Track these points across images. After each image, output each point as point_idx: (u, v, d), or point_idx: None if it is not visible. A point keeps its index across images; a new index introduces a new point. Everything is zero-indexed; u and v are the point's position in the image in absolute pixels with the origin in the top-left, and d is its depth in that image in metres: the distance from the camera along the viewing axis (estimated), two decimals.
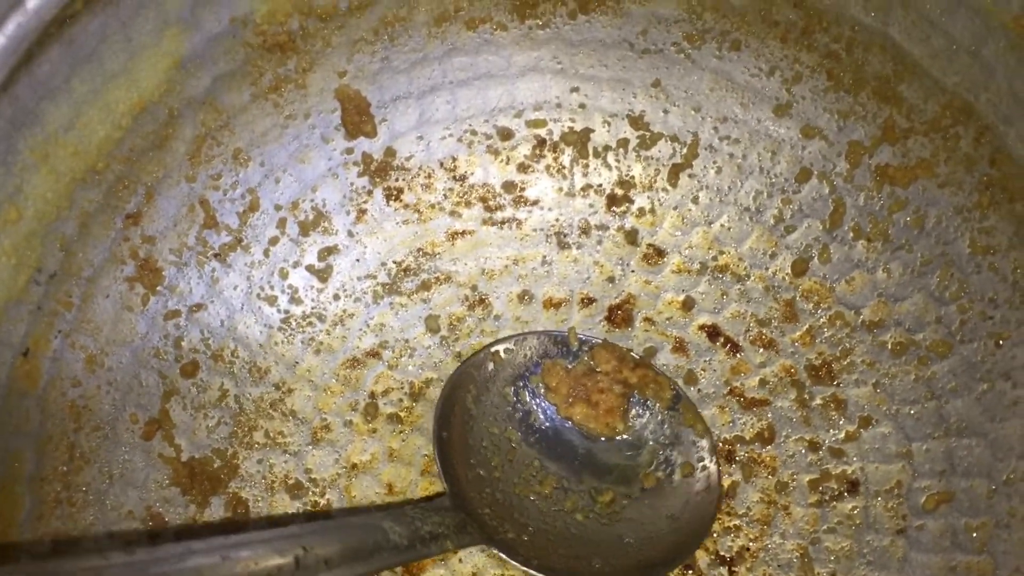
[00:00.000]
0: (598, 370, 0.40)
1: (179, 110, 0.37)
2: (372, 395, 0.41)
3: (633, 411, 0.39)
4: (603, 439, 0.39)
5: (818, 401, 0.40)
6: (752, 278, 0.41)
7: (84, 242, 0.36)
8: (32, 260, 0.34)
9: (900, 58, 0.37)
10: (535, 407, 0.40)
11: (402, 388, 0.41)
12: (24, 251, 0.33)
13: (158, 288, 0.38)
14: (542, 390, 0.40)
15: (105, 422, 0.37)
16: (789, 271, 0.41)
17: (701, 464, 0.38)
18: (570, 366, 0.40)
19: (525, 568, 0.36)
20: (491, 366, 0.40)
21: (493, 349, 0.40)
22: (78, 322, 0.36)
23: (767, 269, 0.41)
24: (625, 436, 0.39)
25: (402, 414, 0.40)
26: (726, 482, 0.39)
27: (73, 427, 0.36)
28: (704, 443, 0.38)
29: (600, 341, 0.40)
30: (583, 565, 0.36)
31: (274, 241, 0.41)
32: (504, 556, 0.36)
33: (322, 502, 0.39)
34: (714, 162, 0.42)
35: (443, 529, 0.35)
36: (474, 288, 0.42)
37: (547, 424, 0.39)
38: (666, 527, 0.37)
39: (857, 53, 0.38)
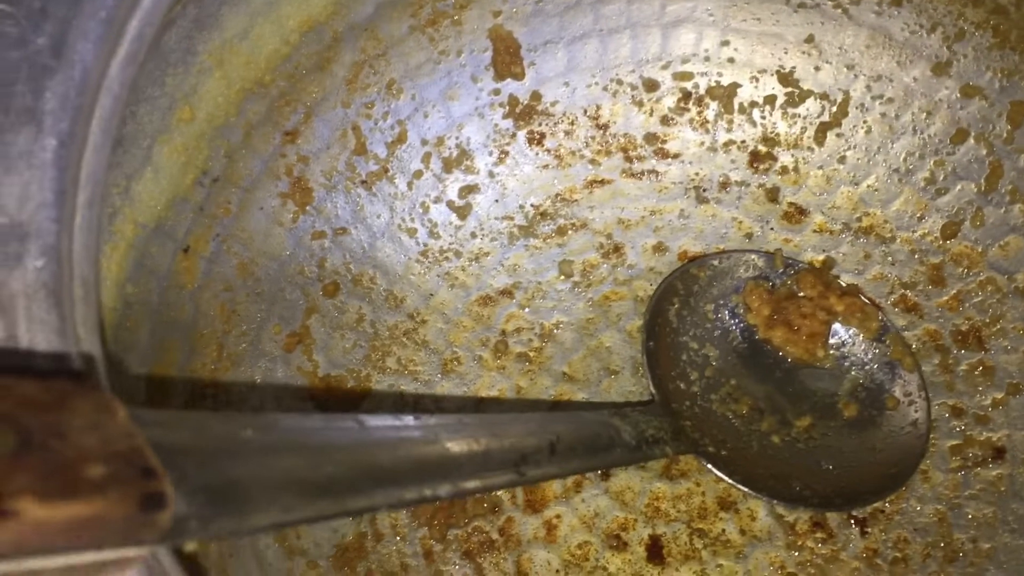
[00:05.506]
0: (802, 295, 0.38)
1: (342, 34, 0.38)
2: (503, 333, 0.41)
3: (835, 339, 0.38)
4: (802, 365, 0.38)
5: (964, 367, 0.38)
6: (898, 240, 0.40)
7: (246, 152, 0.37)
8: (199, 161, 0.35)
9: None
10: (734, 326, 0.39)
11: (532, 329, 0.41)
12: (193, 151, 0.34)
13: (307, 207, 0.39)
14: (742, 310, 0.39)
15: (251, 329, 0.37)
16: (938, 234, 0.40)
17: (908, 398, 0.37)
18: (773, 288, 0.39)
19: (730, 480, 0.36)
20: (694, 281, 0.39)
21: (697, 264, 0.40)
22: (234, 229, 0.37)
23: (914, 232, 0.40)
24: (826, 364, 0.38)
25: (531, 354, 0.40)
26: None
27: (223, 328, 0.37)
28: (913, 377, 0.37)
29: (806, 265, 0.39)
30: (782, 485, 0.36)
31: (418, 175, 0.41)
32: (711, 467, 0.36)
33: None
34: (864, 121, 0.41)
35: (663, 433, 0.35)
36: (609, 236, 0.42)
37: (745, 345, 0.39)
38: (869, 459, 0.36)
39: None
